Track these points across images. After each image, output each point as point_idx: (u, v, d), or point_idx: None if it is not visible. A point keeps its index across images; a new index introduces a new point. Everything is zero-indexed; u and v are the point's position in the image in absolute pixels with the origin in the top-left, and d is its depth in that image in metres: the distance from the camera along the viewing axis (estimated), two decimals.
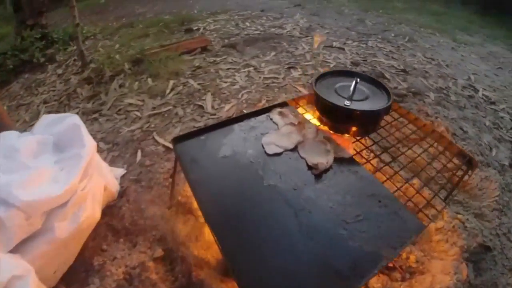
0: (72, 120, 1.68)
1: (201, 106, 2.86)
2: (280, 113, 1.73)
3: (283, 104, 1.85)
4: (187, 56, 3.89)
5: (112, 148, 2.45)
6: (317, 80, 1.76)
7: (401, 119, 1.94)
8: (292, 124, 1.65)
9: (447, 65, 4.75)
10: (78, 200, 1.47)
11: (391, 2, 9.74)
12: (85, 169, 1.53)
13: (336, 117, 1.66)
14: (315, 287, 1.00)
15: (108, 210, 1.86)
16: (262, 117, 1.74)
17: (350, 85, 1.66)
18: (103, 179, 1.76)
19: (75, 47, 4.11)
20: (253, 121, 1.70)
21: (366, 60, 4.29)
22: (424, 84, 3.80)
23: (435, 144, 1.76)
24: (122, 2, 8.02)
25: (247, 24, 5.55)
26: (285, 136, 1.57)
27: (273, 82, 3.37)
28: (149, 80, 3.31)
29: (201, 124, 2.59)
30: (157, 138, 2.48)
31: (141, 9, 7.01)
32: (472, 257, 1.85)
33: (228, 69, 3.62)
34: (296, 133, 1.59)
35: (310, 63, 3.97)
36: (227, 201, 1.25)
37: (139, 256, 1.66)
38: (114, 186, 1.93)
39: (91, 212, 1.55)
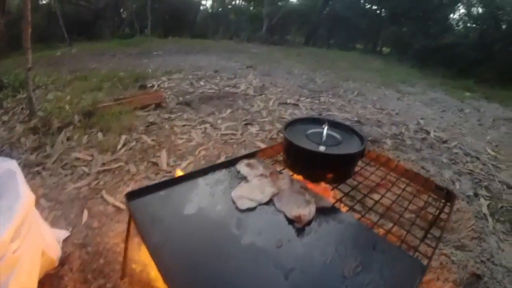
0: (7, 165, 1.39)
1: (155, 163, 2.67)
2: (249, 165, 1.59)
3: (250, 155, 1.71)
4: (141, 112, 3.74)
5: (54, 207, 2.13)
6: (286, 127, 1.66)
7: (372, 163, 1.92)
8: (263, 175, 1.50)
9: (396, 113, 5.13)
10: (8, 264, 1.17)
11: (336, 63, 10.47)
12: (18, 227, 1.23)
13: (311, 164, 1.53)
14: None
15: (47, 280, 1.56)
16: (229, 169, 1.59)
17: (320, 131, 1.59)
18: (41, 241, 1.47)
19: (24, 95, 3.85)
20: (218, 174, 1.54)
21: (321, 114, 4.45)
22: (379, 132, 3.99)
23: (411, 183, 1.74)
24: (77, 57, 7.90)
25: (202, 83, 5.59)
26: (257, 188, 1.41)
27: (231, 138, 3.29)
28: (100, 134, 3.08)
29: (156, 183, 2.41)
30: (106, 196, 2.22)
31: (96, 65, 6.87)
32: None
33: (183, 125, 3.50)
34: (269, 184, 1.44)
35: (266, 119, 3.99)
36: (199, 268, 1.02)
37: None
38: (55, 251, 1.63)
39: (25, 282, 1.25)
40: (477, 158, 3.82)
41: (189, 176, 1.48)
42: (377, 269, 1.07)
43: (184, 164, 2.69)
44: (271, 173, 1.54)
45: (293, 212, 1.28)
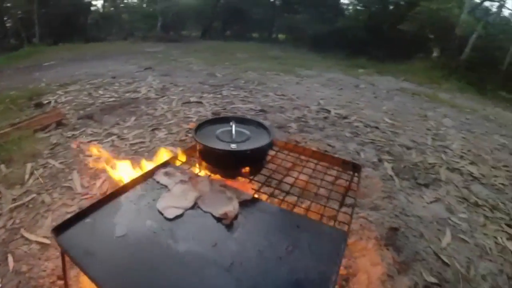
0: None
1: (69, 188, 2.53)
2: (166, 173, 1.61)
3: (165, 164, 1.71)
4: (42, 134, 3.46)
5: None
6: (196, 131, 1.70)
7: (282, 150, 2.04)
8: (182, 181, 1.53)
9: (297, 98, 5.51)
10: None
11: (234, 54, 10.66)
12: None
13: (226, 163, 1.61)
14: None
15: None
16: (147, 182, 1.57)
17: (229, 129, 1.67)
18: None
19: None
20: (139, 189, 1.51)
21: (225, 109, 4.56)
22: (283, 118, 4.26)
23: (320, 163, 1.88)
24: None
25: (101, 92, 5.33)
26: (180, 195, 1.44)
27: (141, 147, 3.26)
28: (2, 166, 2.80)
29: (74, 208, 2.27)
30: (27, 235, 2.05)
31: None
32: (388, 242, 2.13)
33: (89, 141, 3.33)
34: (191, 189, 1.48)
35: (172, 121, 3.98)
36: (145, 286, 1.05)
37: None
38: None
39: None
40: (377, 128, 4.30)
41: (110, 197, 1.45)
42: (305, 245, 1.19)
43: (98, 183, 2.59)
44: (190, 177, 1.57)
45: (219, 211, 1.33)
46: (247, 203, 1.41)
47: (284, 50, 13.24)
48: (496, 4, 11.19)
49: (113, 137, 3.46)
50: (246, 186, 1.69)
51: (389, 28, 11.71)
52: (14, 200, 2.41)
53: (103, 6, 19.14)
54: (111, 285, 1.04)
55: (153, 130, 3.69)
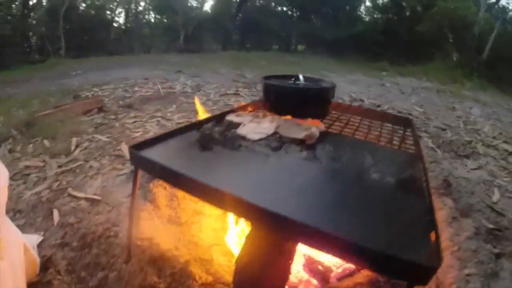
0: None
1: (118, 156, 2.43)
2: (238, 115, 1.56)
3: (233, 110, 1.72)
4: (85, 117, 3.41)
5: (14, 217, 1.80)
6: (264, 78, 1.78)
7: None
8: (255, 120, 1.52)
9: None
10: None
11: (257, 62, 10.76)
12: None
13: (295, 103, 1.64)
14: None
15: None
16: (220, 121, 1.57)
17: (294, 81, 1.77)
18: (18, 243, 1.22)
19: None
20: (211, 126, 1.49)
21: None
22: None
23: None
24: None
25: (136, 88, 5.31)
26: (257, 127, 1.43)
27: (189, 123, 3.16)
28: (46, 141, 2.72)
29: (126, 171, 2.17)
30: (75, 193, 1.95)
31: (13, 90, 6.03)
32: (445, 192, 2.19)
33: (134, 122, 3.26)
34: (267, 121, 1.48)
35: (214, 107, 3.93)
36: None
37: None
38: (32, 259, 1.36)
39: None
40: (410, 114, 4.18)
41: (187, 128, 1.41)
42: (387, 161, 1.26)
43: None
44: (263, 115, 1.58)
45: (301, 134, 1.36)
46: (322, 134, 1.44)
47: (304, 58, 13.23)
48: None
49: (158, 118, 3.38)
50: (317, 123, 1.66)
51: (407, 32, 11.57)
52: (59, 166, 2.32)
53: (125, 21, 19.51)
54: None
55: (197, 113, 3.63)
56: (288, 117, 1.62)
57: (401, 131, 1.81)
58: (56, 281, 1.37)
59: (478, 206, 2.03)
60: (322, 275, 1.50)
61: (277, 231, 0.90)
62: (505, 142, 3.47)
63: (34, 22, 14.23)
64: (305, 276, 1.52)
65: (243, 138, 1.33)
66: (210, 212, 1.88)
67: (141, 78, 6.35)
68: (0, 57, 11.79)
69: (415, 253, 0.75)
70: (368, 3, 15.82)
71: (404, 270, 0.73)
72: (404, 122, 1.90)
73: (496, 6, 11.16)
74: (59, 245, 1.56)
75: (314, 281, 1.49)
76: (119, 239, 1.52)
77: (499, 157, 2.99)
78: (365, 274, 1.50)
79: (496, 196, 2.21)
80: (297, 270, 1.52)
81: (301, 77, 1.72)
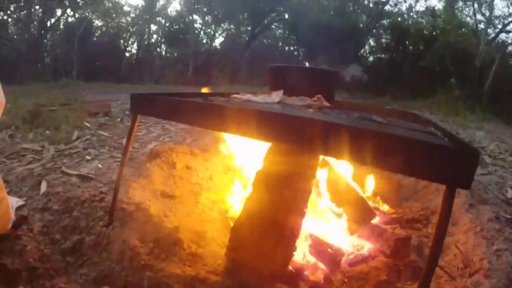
0: None
1: (118, 147, 2.36)
2: (243, 94, 1.54)
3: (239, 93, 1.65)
4: (90, 118, 3.34)
5: None
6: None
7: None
8: (263, 95, 1.50)
9: None
10: None
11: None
12: None
13: (301, 83, 1.60)
14: None
15: None
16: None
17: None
18: None
19: None
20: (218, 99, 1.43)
21: None
22: None
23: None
24: None
25: None
26: (263, 99, 1.41)
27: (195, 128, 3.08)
28: (48, 132, 2.66)
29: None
30: (68, 171, 1.84)
31: (23, 101, 6.02)
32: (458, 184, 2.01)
33: (138, 125, 3.19)
34: (273, 96, 1.45)
35: None
36: None
37: None
38: (7, 211, 1.24)
39: None
40: None
41: (191, 94, 1.40)
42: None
43: (150, 146, 2.42)
44: (268, 93, 1.55)
45: (306, 101, 1.36)
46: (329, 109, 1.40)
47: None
48: None
49: (164, 124, 3.30)
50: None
51: (410, 67, 11.70)
52: (57, 151, 2.24)
53: (137, 51, 19.91)
54: None
55: None
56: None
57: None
58: (26, 238, 1.25)
59: (493, 201, 1.92)
60: (331, 259, 1.33)
61: (300, 139, 0.81)
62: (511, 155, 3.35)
63: (49, 43, 14.55)
64: (312, 259, 1.37)
65: (248, 101, 1.32)
66: (207, 194, 1.75)
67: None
68: (12, 73, 11.89)
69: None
70: (372, 43, 16.07)
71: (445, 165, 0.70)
72: (413, 116, 1.80)
73: (496, 41, 11.29)
74: (40, 209, 1.46)
75: (322, 266, 1.34)
76: (104, 203, 1.42)
77: (508, 166, 2.90)
78: (380, 260, 1.37)
79: (510, 193, 2.12)
80: (302, 253, 1.38)
81: (306, 64, 1.73)
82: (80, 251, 1.24)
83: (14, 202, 1.44)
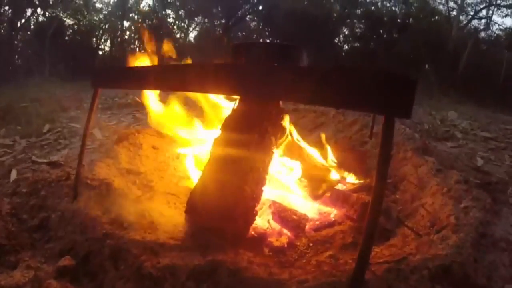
0: None
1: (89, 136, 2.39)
2: None
3: None
4: (62, 113, 3.35)
5: None
6: None
7: None
8: None
9: None
10: None
11: None
12: None
13: None
14: None
15: None
16: None
17: None
18: None
19: None
20: None
21: None
22: None
23: None
24: None
25: (116, 99, 5.20)
26: None
27: None
28: (19, 127, 2.69)
29: (95, 146, 2.13)
30: (38, 160, 1.92)
31: None
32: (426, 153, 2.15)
33: (109, 116, 3.27)
34: None
35: None
36: None
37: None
38: None
39: None
40: None
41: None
42: None
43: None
44: None
45: None
46: None
47: None
48: (484, 21, 11.38)
49: (135, 113, 3.38)
50: None
51: (384, 55, 11.85)
52: (29, 143, 2.29)
53: (111, 50, 19.45)
54: None
55: None
56: None
57: None
58: None
59: (463, 168, 1.98)
60: (296, 224, 1.38)
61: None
62: (484, 131, 3.42)
63: (20, 44, 14.08)
64: (277, 227, 1.41)
65: None
66: (173, 171, 1.82)
67: (122, 92, 6.34)
68: None
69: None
70: (346, 32, 16.08)
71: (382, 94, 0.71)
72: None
73: (468, 27, 11.54)
74: (9, 194, 1.52)
75: (287, 232, 1.39)
76: (70, 181, 1.48)
77: (479, 140, 2.97)
78: (346, 224, 1.43)
79: (480, 162, 2.21)
80: (266, 220, 1.43)
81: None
82: (47, 227, 1.30)
83: None
